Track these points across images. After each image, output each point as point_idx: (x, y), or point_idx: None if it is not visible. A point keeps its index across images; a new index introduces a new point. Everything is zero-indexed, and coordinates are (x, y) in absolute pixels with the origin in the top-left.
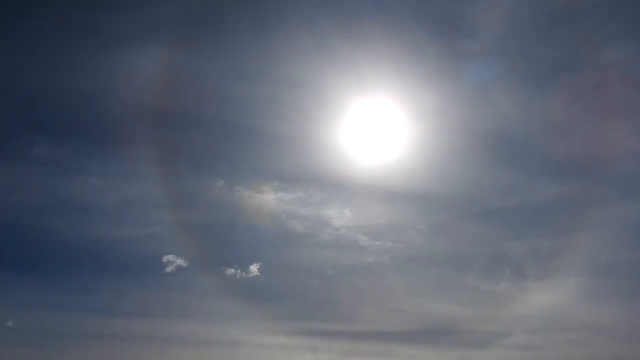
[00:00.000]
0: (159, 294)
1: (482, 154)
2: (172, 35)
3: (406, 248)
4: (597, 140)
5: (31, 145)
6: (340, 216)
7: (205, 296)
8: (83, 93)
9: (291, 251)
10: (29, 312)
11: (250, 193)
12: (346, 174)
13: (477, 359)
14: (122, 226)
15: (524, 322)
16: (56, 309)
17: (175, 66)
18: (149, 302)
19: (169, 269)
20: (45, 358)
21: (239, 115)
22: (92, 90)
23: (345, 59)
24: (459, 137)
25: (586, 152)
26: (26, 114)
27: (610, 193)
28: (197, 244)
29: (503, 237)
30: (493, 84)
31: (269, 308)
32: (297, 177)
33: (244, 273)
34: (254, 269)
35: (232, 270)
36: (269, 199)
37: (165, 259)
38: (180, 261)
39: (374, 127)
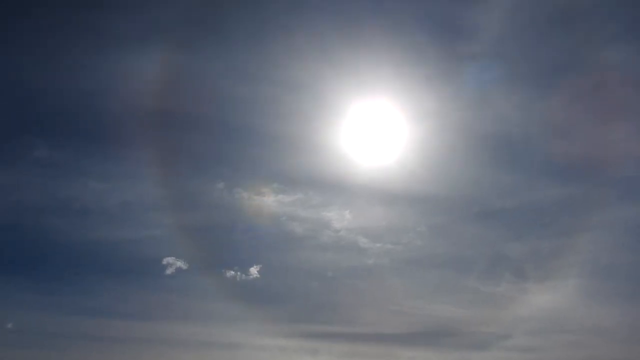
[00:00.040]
0: (159, 296)
1: (482, 156)
2: (173, 37)
3: (406, 250)
4: (597, 142)
5: (31, 147)
6: (340, 218)
7: (205, 298)
8: (83, 94)
9: (291, 253)
10: (29, 314)
11: (250, 195)
12: (346, 176)
13: None
14: (123, 228)
15: (524, 324)
16: (56, 311)
17: (175, 67)
18: (149, 304)
19: (169, 271)
20: None
21: (239, 117)
22: (93, 91)
23: (345, 61)
24: (459, 138)
25: (586, 153)
26: (26, 115)
27: (610, 195)
28: (197, 246)
29: (503, 238)
30: (493, 86)
31: (269, 310)
32: (297, 179)
33: (244, 275)
34: (254, 271)
35: (232, 272)
36: (269, 201)
37: (165, 261)
38: (180, 263)
39: (374, 129)
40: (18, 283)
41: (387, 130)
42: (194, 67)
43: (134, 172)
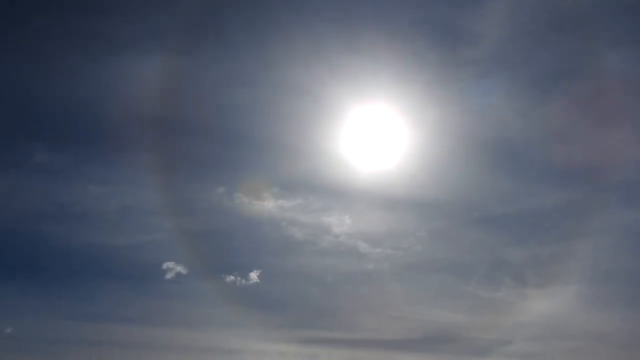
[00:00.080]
0: (159, 301)
1: (482, 161)
2: (173, 42)
3: (406, 255)
4: (597, 147)
5: (31, 152)
6: (340, 223)
7: (205, 303)
8: (83, 99)
9: (291, 258)
10: (29, 319)
11: (250, 200)
12: (346, 181)
13: None
14: (122, 233)
15: (524, 330)
16: (55, 316)
17: (175, 73)
18: (149, 309)
19: (168, 276)
20: None
21: (239, 122)
22: (92, 96)
23: (345, 66)
24: (459, 143)
25: (587, 158)
26: (26, 120)
27: (610, 200)
28: (197, 251)
29: (503, 243)
30: (493, 91)
31: (268, 315)
32: (297, 184)
33: (243, 280)
34: (253, 276)
35: (232, 277)
36: (269, 206)
37: (165, 266)
38: (180, 268)
39: (374, 134)
40: (17, 287)
41: (387, 135)
42: (194, 72)
43: (134, 176)
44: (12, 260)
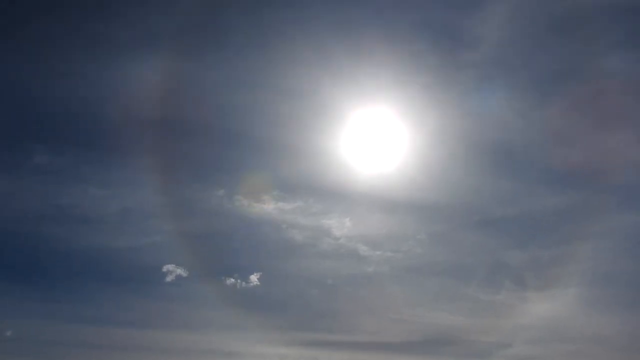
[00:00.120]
0: (159, 303)
1: (482, 163)
2: (173, 44)
3: (406, 258)
4: (597, 150)
5: (31, 154)
6: (340, 226)
7: (205, 306)
8: (83, 101)
9: (291, 261)
10: (28, 322)
11: (250, 202)
12: (346, 184)
13: None
14: (122, 235)
15: (525, 332)
16: (55, 319)
17: (175, 74)
18: (149, 312)
19: (169, 278)
20: None
21: (240, 124)
22: (92, 98)
23: (345, 68)
24: (459, 146)
25: (586, 161)
26: (26, 122)
27: (610, 202)
28: (197, 254)
29: (503, 246)
30: (493, 94)
31: (269, 318)
32: (297, 187)
33: (244, 283)
34: (254, 278)
35: (232, 280)
36: (269, 209)
37: (165, 268)
38: (180, 271)
39: (374, 137)
40: (17, 290)
41: (387, 138)
42: (194, 73)
43: (134, 179)
44: (11, 263)
